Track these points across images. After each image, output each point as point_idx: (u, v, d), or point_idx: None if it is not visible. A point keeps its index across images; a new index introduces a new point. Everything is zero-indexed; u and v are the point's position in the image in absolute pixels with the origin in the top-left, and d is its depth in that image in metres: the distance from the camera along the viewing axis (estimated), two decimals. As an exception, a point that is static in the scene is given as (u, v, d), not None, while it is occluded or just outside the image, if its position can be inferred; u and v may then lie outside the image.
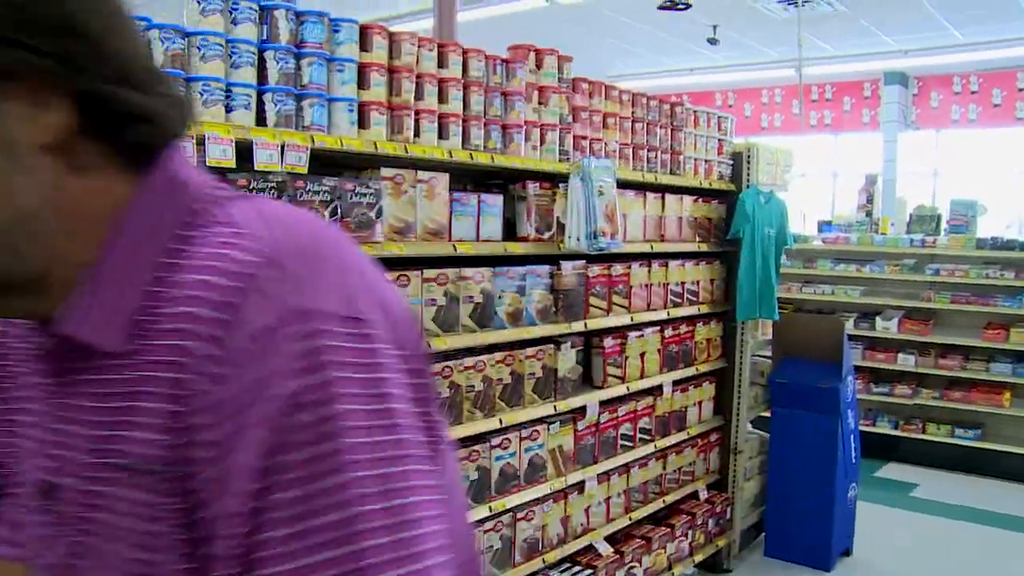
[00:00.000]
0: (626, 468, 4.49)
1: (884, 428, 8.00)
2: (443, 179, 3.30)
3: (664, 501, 4.85)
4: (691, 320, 4.97)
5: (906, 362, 7.88)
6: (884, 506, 6.63)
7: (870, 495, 6.62)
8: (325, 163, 3.08)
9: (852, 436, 5.53)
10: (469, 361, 3.47)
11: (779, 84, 13.82)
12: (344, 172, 3.12)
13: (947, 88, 12.66)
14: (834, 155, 13.93)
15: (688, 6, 7.07)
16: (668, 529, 4.77)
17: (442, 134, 3.30)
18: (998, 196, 10.54)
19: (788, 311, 6.35)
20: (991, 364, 7.52)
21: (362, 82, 3.01)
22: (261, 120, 2.71)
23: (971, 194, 8.49)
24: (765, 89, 14.09)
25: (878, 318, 8.02)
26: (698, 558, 5.06)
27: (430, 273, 3.27)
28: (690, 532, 4.96)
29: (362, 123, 3.01)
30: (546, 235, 3.81)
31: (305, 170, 2.71)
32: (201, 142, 2.44)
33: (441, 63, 3.32)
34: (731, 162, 5.32)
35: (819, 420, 5.34)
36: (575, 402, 4.04)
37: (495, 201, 3.58)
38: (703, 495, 5.22)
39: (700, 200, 5.00)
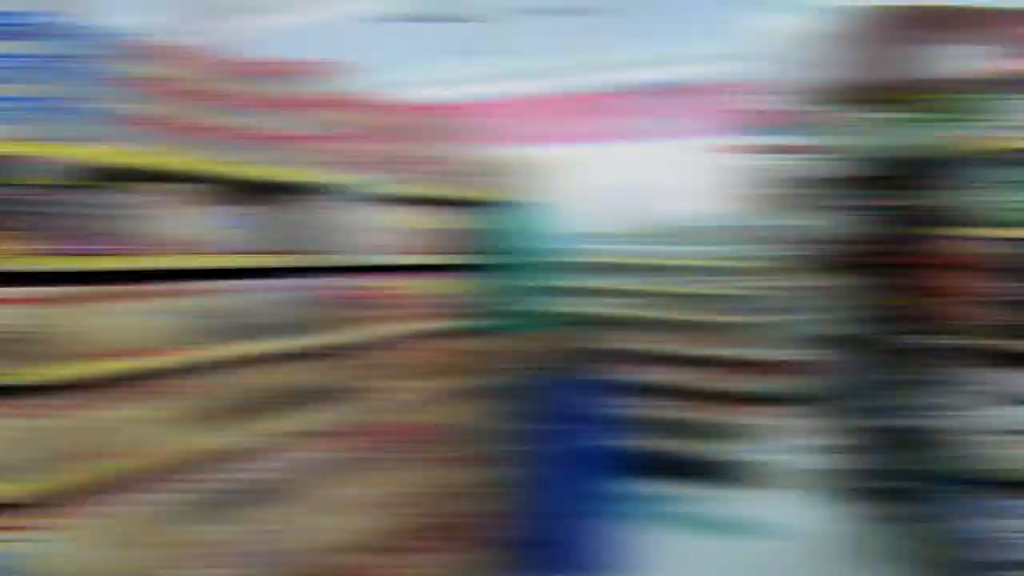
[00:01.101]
0: (382, 482, 4.43)
1: (651, 443, 7.31)
2: (199, 191, 3.28)
3: (422, 517, 4.78)
4: (450, 334, 4.97)
5: (678, 376, 7.57)
6: (651, 523, 6.20)
7: (636, 511, 6.14)
8: (78, 175, 3.00)
9: (616, 452, 5.51)
10: (226, 374, 3.44)
11: (546, 94, 13.94)
12: (99, 184, 3.04)
13: (718, 98, 12.75)
14: (603, 166, 14.16)
15: (456, 20, 7.15)
16: (426, 544, 4.74)
17: (198, 146, 3.27)
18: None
19: (550, 325, 6.11)
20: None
21: (118, 94, 2.95)
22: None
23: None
24: (531, 99, 14.16)
25: (648, 331, 7.75)
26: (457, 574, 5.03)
27: (185, 286, 3.24)
28: (448, 548, 4.93)
29: (118, 136, 2.94)
30: (304, 247, 3.82)
31: (60, 182, 2.69)
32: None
33: (198, 75, 3.29)
34: (493, 173, 5.35)
35: (582, 435, 5.33)
36: (330, 415, 4.04)
37: (252, 213, 3.57)
38: (461, 510, 5.12)
39: (461, 212, 5.04)
